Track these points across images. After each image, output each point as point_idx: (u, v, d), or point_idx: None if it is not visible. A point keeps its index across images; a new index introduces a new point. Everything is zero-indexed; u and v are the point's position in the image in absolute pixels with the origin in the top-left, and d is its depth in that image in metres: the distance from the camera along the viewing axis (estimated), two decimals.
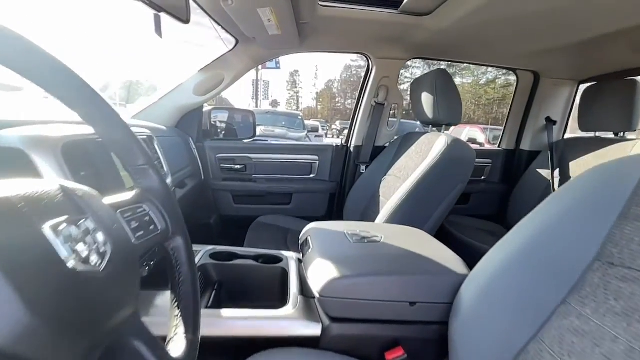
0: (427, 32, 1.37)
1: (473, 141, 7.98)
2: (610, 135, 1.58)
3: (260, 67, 17.63)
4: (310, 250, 0.81)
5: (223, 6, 1.04)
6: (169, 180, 1.02)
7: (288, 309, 0.72)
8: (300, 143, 1.96)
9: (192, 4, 1.02)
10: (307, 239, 0.89)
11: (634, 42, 1.38)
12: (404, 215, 1.19)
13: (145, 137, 0.91)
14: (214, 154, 1.74)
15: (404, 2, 1.21)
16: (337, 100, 50.39)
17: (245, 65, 1.61)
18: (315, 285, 0.69)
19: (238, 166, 1.78)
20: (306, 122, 11.03)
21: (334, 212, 1.92)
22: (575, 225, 0.47)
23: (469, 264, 0.73)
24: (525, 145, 1.98)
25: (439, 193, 1.22)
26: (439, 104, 1.38)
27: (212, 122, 1.84)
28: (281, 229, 1.60)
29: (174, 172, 1.30)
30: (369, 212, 1.48)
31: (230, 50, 1.56)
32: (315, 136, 11.51)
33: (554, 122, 1.88)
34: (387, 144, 1.83)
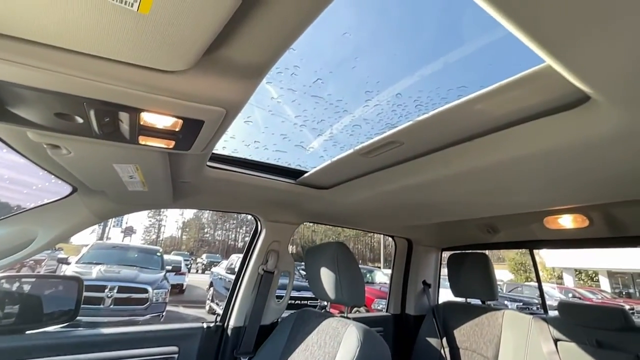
0: (323, 202, 1.31)
1: None
2: (478, 301, 1.73)
3: None
4: None
5: (50, 154, 0.67)
6: None
7: None
8: (150, 328, 1.33)
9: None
10: None
11: (481, 226, 1.70)
12: None
13: None
14: None
15: (304, 175, 1.13)
16: (205, 230, 47.74)
17: (81, 221, 1.11)
18: None
19: None
20: (167, 256, 9.45)
21: None
22: None
23: None
24: (410, 310, 1.97)
25: None
26: (342, 283, 1.19)
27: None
28: None
29: None
30: None
31: (59, 200, 1.07)
32: (175, 274, 9.74)
33: (429, 285, 1.99)
34: (276, 320, 1.46)
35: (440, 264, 2.12)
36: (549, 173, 0.76)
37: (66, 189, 1.09)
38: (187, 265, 15.22)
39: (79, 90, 0.40)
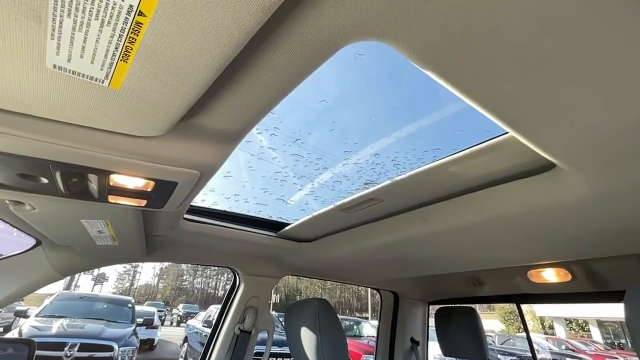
0: (305, 256, 1.27)
1: None
2: None
3: None
4: None
5: (13, 210, 0.63)
6: None
7: None
8: None
9: None
10: None
11: (467, 279, 1.67)
12: None
13: None
14: None
15: (285, 228, 1.11)
16: (184, 277, 45.07)
17: (43, 277, 1.02)
18: None
19: None
20: (140, 307, 8.74)
21: None
22: None
23: None
24: None
25: None
26: (323, 345, 1.11)
27: None
28: None
29: None
30: None
31: (21, 253, 1.00)
32: (147, 328, 8.91)
33: (417, 342, 1.88)
34: None
35: (428, 317, 2.03)
36: (527, 231, 0.77)
37: (29, 242, 1.02)
38: (161, 317, 14.08)
39: (44, 154, 0.39)
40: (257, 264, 1.40)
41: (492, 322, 20.36)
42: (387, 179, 0.69)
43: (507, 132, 0.51)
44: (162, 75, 0.31)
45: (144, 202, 0.56)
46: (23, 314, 5.86)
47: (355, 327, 8.82)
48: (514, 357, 7.87)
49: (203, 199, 0.95)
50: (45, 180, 0.46)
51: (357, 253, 1.13)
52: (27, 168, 0.42)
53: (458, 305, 1.78)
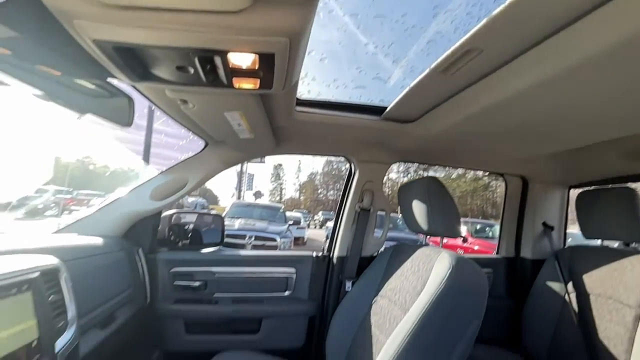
0: (411, 138, 1.29)
1: None
2: (615, 244, 1.44)
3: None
4: None
5: (183, 109, 0.90)
6: (70, 332, 0.70)
7: None
8: (274, 253, 1.69)
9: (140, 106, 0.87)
10: None
11: (624, 151, 1.35)
12: None
13: (36, 275, 0.63)
14: (167, 268, 1.42)
15: (387, 110, 1.14)
16: (319, 191, 51.88)
17: (213, 168, 1.44)
18: None
19: (196, 283, 1.44)
20: (288, 213, 10.86)
21: (314, 343, 1.53)
22: None
23: None
24: (527, 253, 1.79)
25: (450, 334, 0.93)
26: (433, 214, 1.20)
27: (172, 227, 1.57)
28: None
29: (99, 304, 0.97)
30: (359, 353, 1.14)
31: (198, 153, 1.41)
32: (297, 228, 11.19)
33: (552, 228, 1.74)
34: (375, 254, 1.58)
35: (568, 203, 1.81)
36: None
37: (201, 144, 1.42)
38: (305, 220, 17.23)
39: (183, 42, 0.55)
40: (368, 151, 1.52)
41: None
42: (484, 19, 0.60)
43: None
44: None
45: (257, 82, 0.70)
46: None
47: (487, 229, 8.63)
48: None
49: (308, 90, 1.07)
50: (191, 70, 0.65)
51: (466, 125, 1.05)
52: (179, 59, 0.61)
53: (610, 186, 1.50)
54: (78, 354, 0.72)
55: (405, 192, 1.37)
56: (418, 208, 1.25)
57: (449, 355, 0.91)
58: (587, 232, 1.52)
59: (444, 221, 1.20)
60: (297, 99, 1.10)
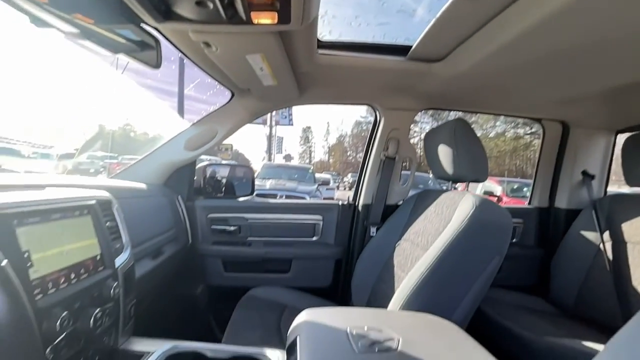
0: (439, 79, 1.23)
1: (490, 194, 7.64)
2: None
3: (274, 123, 18.41)
4: None
5: (207, 54, 0.93)
6: (126, 254, 0.82)
7: None
8: (302, 202, 1.77)
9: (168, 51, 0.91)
10: (295, 340, 0.64)
11: None
12: (427, 299, 0.92)
13: (93, 202, 0.73)
14: (204, 213, 1.55)
15: (412, 48, 1.09)
16: (348, 153, 51.54)
17: (241, 119, 1.49)
18: None
19: (231, 227, 1.57)
20: (318, 175, 11.02)
21: (340, 282, 1.63)
22: None
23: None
24: (562, 203, 1.72)
25: (470, 269, 0.95)
26: (460, 158, 1.17)
27: (207, 179, 1.68)
28: (276, 305, 1.33)
29: (148, 238, 1.10)
30: (381, 288, 1.21)
31: (226, 104, 1.45)
32: (327, 189, 11.37)
33: (592, 177, 1.64)
34: (400, 202, 1.61)
35: (614, 149, 1.68)
36: None
37: (227, 96, 1.46)
38: (335, 182, 17.46)
39: None
40: (393, 97, 1.48)
41: None
42: None
43: None
44: None
45: (275, 16, 0.70)
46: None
47: (525, 188, 8.27)
48: None
49: (330, 30, 1.04)
50: (210, 5, 0.66)
51: (499, 58, 0.96)
52: None
53: None
54: (134, 273, 0.84)
55: (432, 139, 1.34)
56: (444, 152, 1.23)
57: (467, 290, 0.95)
58: (630, 180, 1.43)
59: (471, 165, 1.17)
60: (319, 40, 1.08)
